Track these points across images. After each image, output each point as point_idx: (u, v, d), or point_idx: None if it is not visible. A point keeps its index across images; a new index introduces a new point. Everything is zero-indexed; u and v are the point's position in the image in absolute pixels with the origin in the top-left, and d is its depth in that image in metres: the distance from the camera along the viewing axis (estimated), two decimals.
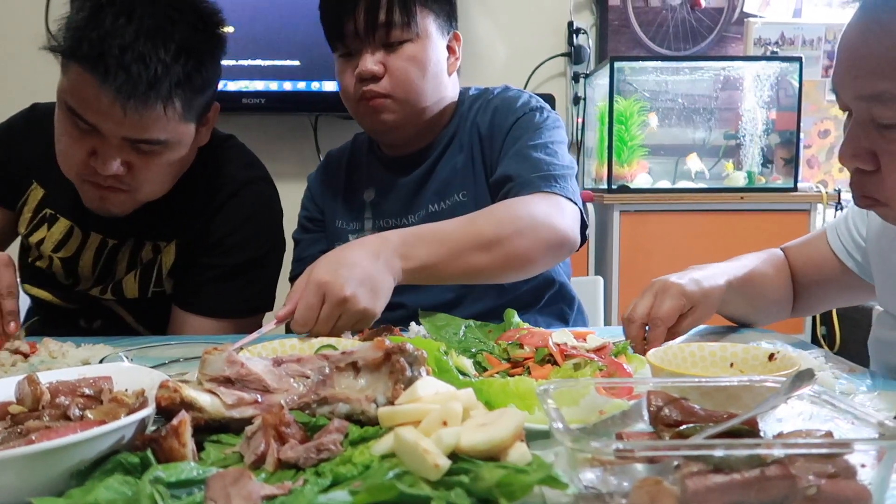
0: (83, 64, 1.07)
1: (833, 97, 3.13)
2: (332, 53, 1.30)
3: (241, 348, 0.85)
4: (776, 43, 3.05)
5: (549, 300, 1.39)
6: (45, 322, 1.36)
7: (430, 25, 1.27)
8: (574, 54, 2.95)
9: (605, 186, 2.65)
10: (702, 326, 1.22)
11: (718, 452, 0.48)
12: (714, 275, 1.07)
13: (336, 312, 0.97)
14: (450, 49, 1.33)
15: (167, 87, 1.09)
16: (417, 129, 1.32)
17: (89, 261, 1.30)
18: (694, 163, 2.80)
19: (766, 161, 2.80)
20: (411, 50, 1.24)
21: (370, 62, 1.23)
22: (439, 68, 1.29)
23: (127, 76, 1.06)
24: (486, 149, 1.32)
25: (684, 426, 0.57)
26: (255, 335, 0.96)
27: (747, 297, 1.14)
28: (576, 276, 1.56)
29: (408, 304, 1.24)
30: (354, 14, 1.21)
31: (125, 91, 1.06)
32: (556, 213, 1.17)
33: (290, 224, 1.43)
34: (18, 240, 1.38)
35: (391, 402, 0.62)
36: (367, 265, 1.00)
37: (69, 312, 1.36)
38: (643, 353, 0.92)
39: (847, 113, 0.88)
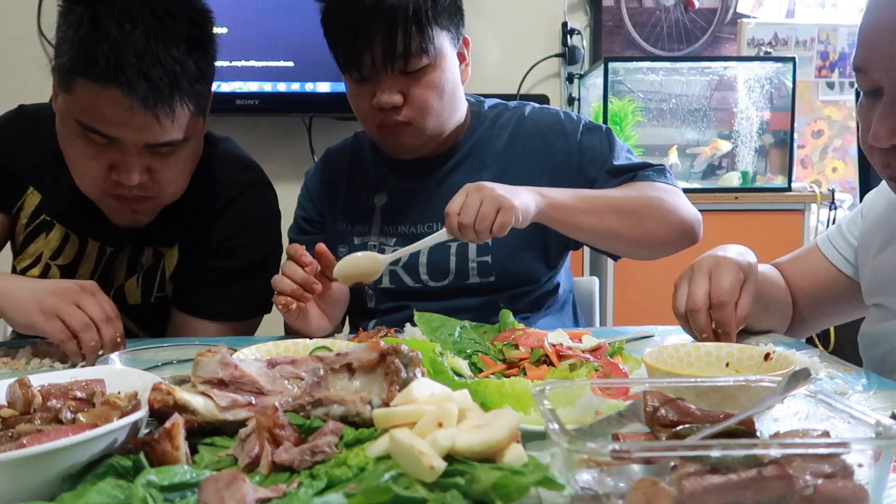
0: (101, 79, 1.03)
1: (828, 97, 3.10)
2: (343, 75, 1.26)
3: (234, 349, 0.84)
4: (769, 43, 3.05)
5: (549, 308, 1.39)
6: None
7: (445, 43, 1.23)
8: (568, 55, 2.95)
9: None
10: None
11: (715, 453, 0.48)
12: (742, 250, 1.04)
13: (477, 197, 1.05)
14: (460, 56, 1.30)
15: (187, 83, 1.08)
16: (437, 143, 1.32)
17: (88, 270, 1.28)
18: (672, 157, 2.81)
19: (760, 161, 2.81)
20: (430, 77, 1.21)
21: (389, 93, 1.19)
22: (455, 85, 1.27)
23: (149, 83, 1.04)
24: (542, 175, 1.30)
25: (680, 426, 0.56)
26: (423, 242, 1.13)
27: (761, 295, 1.08)
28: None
29: (414, 308, 1.23)
30: (371, 44, 1.16)
31: (151, 98, 1.04)
32: (683, 202, 1.26)
33: (285, 226, 1.42)
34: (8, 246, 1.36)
35: (386, 404, 0.62)
36: (515, 188, 1.09)
37: None
38: (719, 340, 0.92)
39: (864, 95, 0.87)
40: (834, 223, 1.20)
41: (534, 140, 1.33)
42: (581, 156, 1.31)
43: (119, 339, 1.06)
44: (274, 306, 1.13)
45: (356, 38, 1.17)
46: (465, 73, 1.32)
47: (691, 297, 0.94)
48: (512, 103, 1.41)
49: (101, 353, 1.03)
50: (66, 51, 1.06)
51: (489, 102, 1.40)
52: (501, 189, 1.06)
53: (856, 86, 0.89)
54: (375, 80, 1.20)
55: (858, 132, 0.91)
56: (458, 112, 1.31)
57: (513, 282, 1.31)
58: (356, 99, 1.25)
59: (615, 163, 1.30)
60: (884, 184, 1.08)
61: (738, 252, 1.02)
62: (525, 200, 1.08)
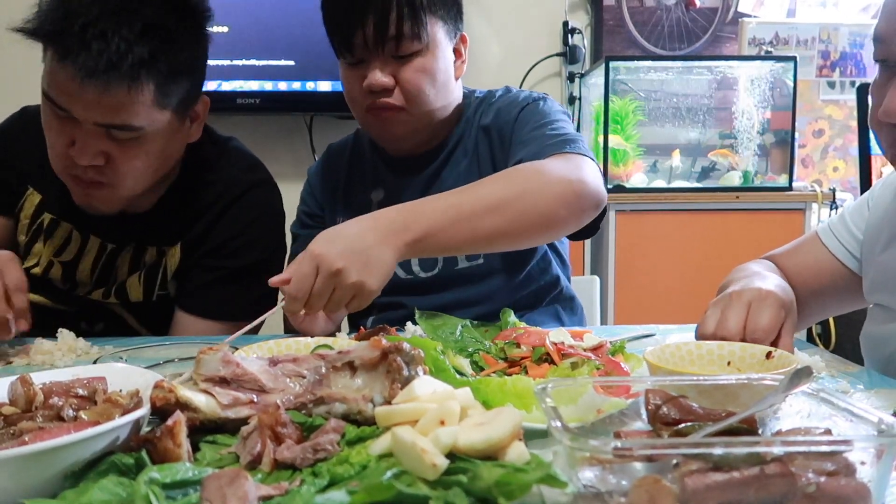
0: (49, 43, 1.05)
1: (829, 96, 3.10)
2: (337, 59, 1.27)
3: (236, 348, 0.84)
4: (770, 42, 3.06)
5: (549, 302, 1.38)
6: (43, 325, 1.35)
7: (439, 32, 1.24)
8: (569, 54, 2.95)
9: None
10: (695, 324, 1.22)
11: (717, 451, 0.48)
12: (781, 282, 0.98)
13: (329, 285, 0.95)
14: (456, 52, 1.31)
15: (130, 66, 1.04)
16: (425, 135, 1.31)
17: (88, 265, 1.29)
18: (675, 159, 2.81)
19: (761, 160, 2.81)
20: (421, 61, 1.22)
21: (380, 75, 1.20)
22: (448, 76, 1.27)
23: (87, 54, 1.02)
24: (496, 150, 1.30)
25: (683, 424, 0.56)
26: (254, 323, 0.99)
27: None
28: (572, 275, 1.56)
29: (407, 305, 1.23)
30: (363, 26, 1.18)
31: (86, 69, 1.02)
32: (573, 168, 1.12)
33: (288, 225, 1.42)
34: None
35: (388, 402, 0.62)
36: (364, 238, 0.97)
37: (68, 316, 1.33)
38: None
39: (880, 70, 0.87)
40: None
41: (496, 119, 1.31)
42: (514, 125, 1.28)
43: (7, 319, 0.98)
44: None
45: (350, 18, 1.19)
46: (460, 70, 1.32)
47: (723, 323, 0.87)
48: (499, 90, 1.39)
49: None
50: (34, 15, 1.08)
51: (478, 93, 1.39)
52: (356, 269, 0.95)
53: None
54: (367, 64, 1.21)
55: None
56: (449, 104, 1.31)
57: (503, 262, 1.30)
58: (348, 83, 1.26)
59: (522, 135, 1.24)
60: (892, 175, 1.07)
61: (780, 286, 0.95)
62: (383, 267, 0.98)
